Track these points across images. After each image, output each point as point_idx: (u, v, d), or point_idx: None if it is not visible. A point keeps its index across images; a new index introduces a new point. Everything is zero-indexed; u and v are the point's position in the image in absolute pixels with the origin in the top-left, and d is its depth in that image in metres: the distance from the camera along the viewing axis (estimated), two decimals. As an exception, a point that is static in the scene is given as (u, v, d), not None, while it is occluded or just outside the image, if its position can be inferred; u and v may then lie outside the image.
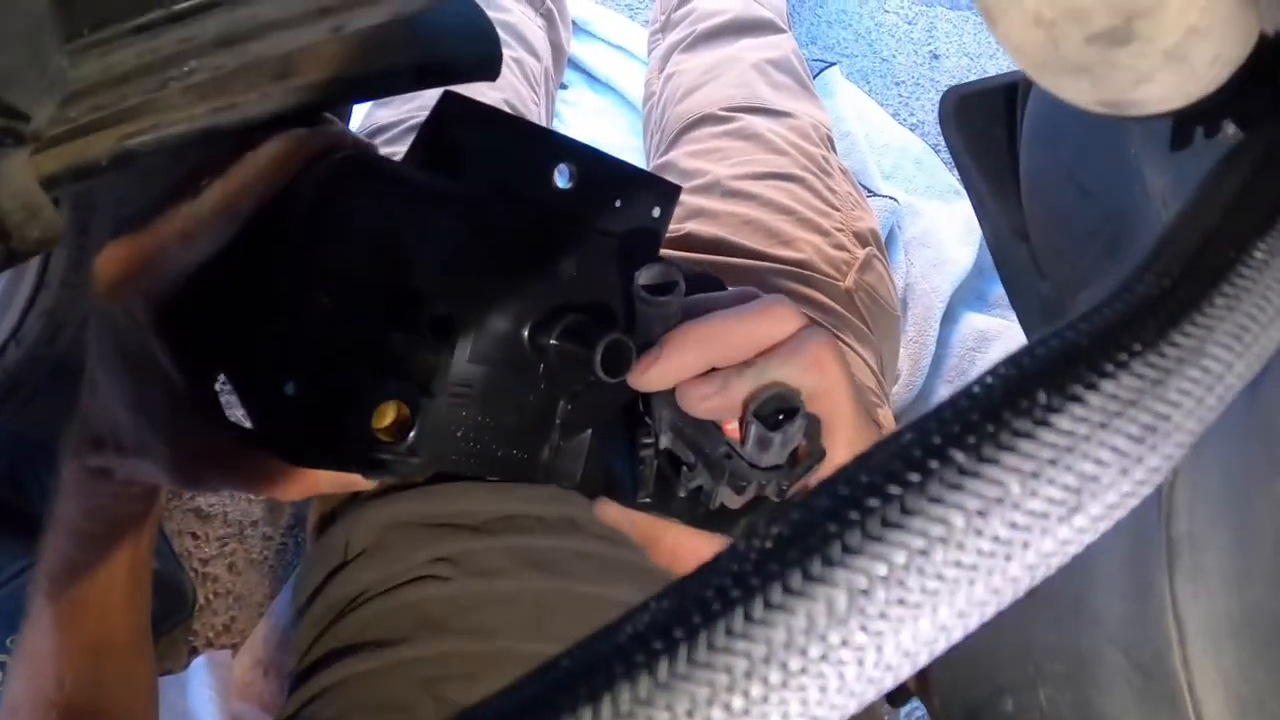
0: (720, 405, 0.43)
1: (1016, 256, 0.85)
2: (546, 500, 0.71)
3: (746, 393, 0.43)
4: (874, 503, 0.16)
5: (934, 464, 0.16)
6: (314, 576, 0.79)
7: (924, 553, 0.16)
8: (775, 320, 0.44)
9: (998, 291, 1.51)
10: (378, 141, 1.11)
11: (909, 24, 2.00)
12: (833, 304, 0.99)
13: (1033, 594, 0.20)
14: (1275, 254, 0.23)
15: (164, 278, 0.43)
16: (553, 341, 0.45)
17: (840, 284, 1.00)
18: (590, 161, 0.47)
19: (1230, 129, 0.38)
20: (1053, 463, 0.17)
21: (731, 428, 0.44)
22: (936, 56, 1.95)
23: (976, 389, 0.17)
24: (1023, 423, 0.17)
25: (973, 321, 1.46)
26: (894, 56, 1.93)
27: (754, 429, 0.42)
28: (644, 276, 0.43)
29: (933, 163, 1.66)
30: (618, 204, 0.48)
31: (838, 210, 1.08)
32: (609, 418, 0.48)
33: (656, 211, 0.49)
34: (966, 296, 1.50)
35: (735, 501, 0.45)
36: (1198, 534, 0.37)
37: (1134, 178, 0.64)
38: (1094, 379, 0.17)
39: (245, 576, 1.30)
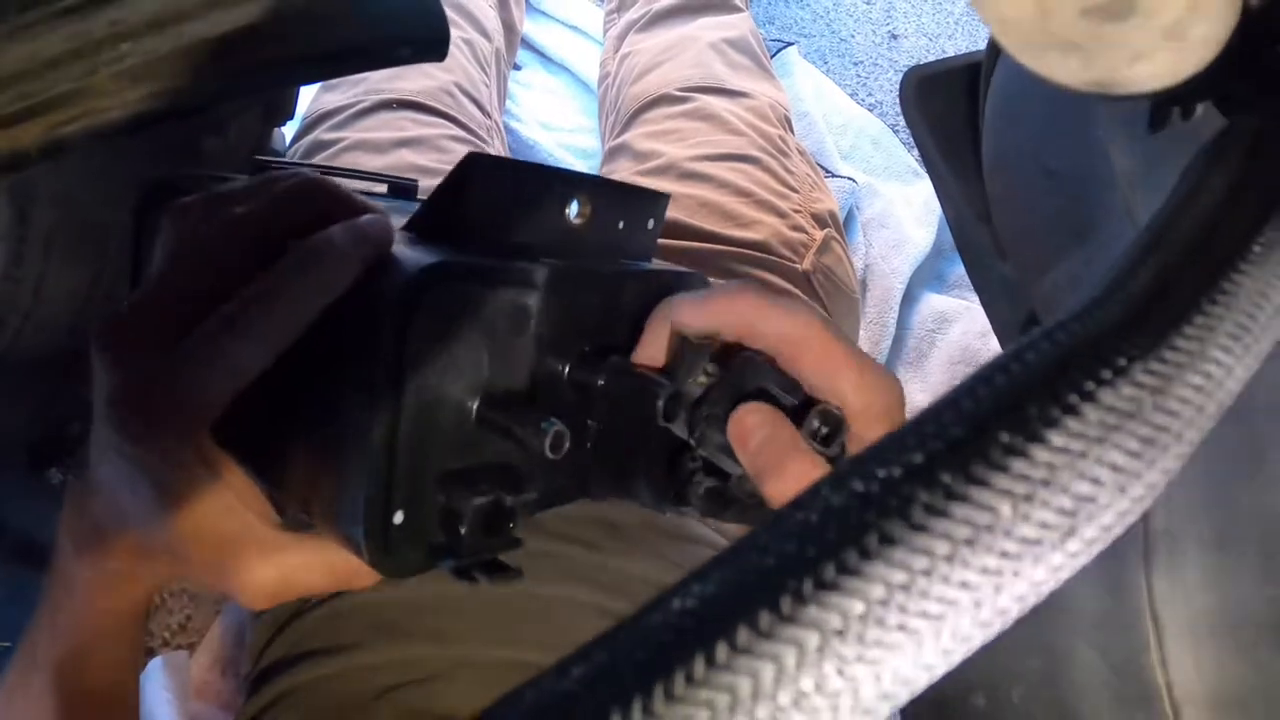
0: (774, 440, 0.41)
1: (979, 238, 0.84)
2: None
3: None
4: (847, 534, 0.14)
5: (917, 489, 0.15)
6: None
7: (905, 587, 0.15)
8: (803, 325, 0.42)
9: (957, 272, 1.51)
10: (324, 127, 1.08)
11: (867, 4, 1.98)
12: (790, 287, 0.98)
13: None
14: (1272, 248, 0.22)
15: (208, 415, 0.38)
16: (600, 383, 0.44)
17: (798, 266, 0.99)
18: (594, 189, 0.46)
19: (1200, 110, 0.37)
20: (1046, 484, 0.15)
21: None
22: (895, 36, 1.94)
23: (964, 401, 0.16)
24: (1015, 439, 0.15)
25: (932, 302, 1.45)
26: (852, 36, 1.91)
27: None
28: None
29: (891, 143, 1.65)
30: (621, 225, 0.47)
31: (795, 192, 1.07)
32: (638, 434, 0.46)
33: (651, 223, 0.49)
34: (926, 277, 1.49)
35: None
36: (1176, 530, 0.36)
37: (1099, 159, 0.63)
38: (1091, 388, 0.16)
39: (199, 574, 1.27)
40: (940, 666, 0.16)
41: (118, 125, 0.49)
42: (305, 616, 0.72)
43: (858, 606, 0.14)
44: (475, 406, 0.40)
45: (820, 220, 1.06)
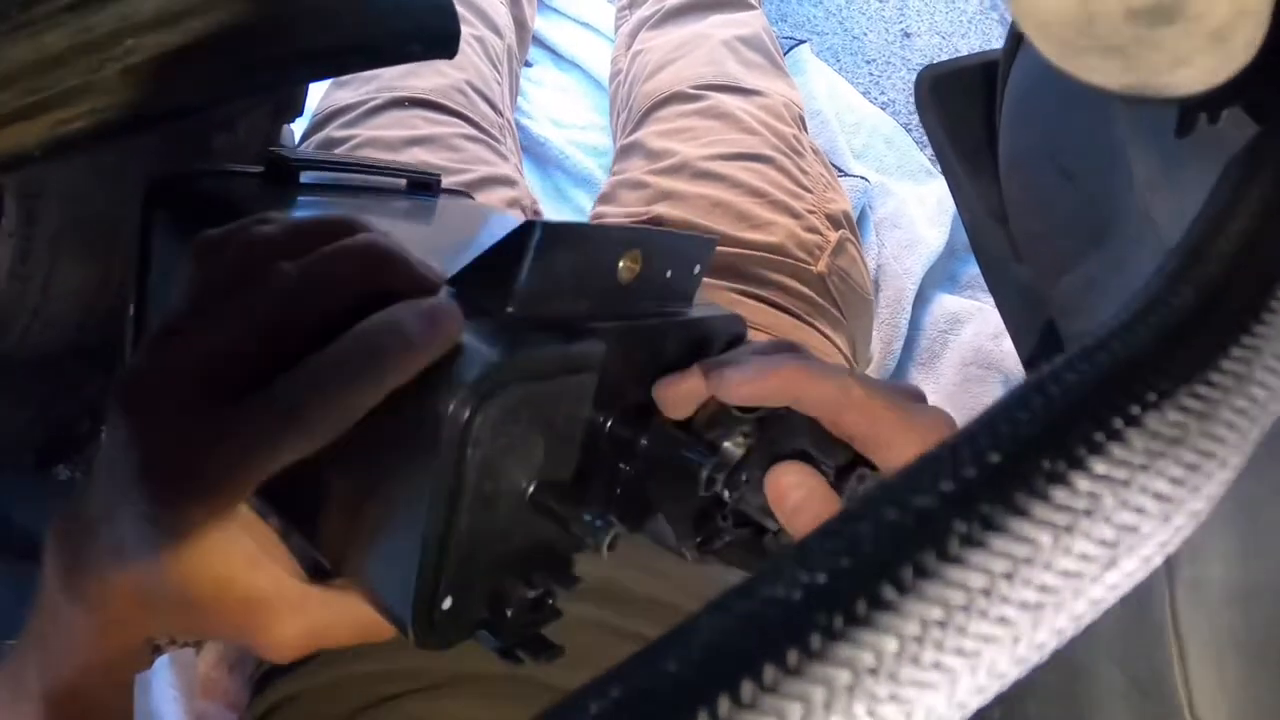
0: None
1: (994, 240, 0.83)
2: None
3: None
4: (880, 567, 0.14)
5: (954, 519, 0.14)
6: None
7: (941, 624, 0.14)
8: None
9: (970, 272, 1.50)
10: (336, 124, 1.07)
11: (880, 1, 1.97)
12: (805, 289, 0.97)
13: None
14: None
15: (246, 491, 0.36)
16: (643, 443, 0.45)
17: (813, 268, 0.98)
18: (647, 244, 0.44)
19: (1226, 115, 0.36)
20: (1089, 513, 0.14)
21: None
22: (908, 35, 1.92)
23: (1001, 425, 0.15)
24: (1056, 465, 0.14)
25: (944, 303, 1.44)
26: (865, 34, 1.90)
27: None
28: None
29: (904, 142, 1.64)
30: (669, 275, 0.46)
31: (809, 192, 1.06)
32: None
33: (697, 269, 0.48)
34: (938, 278, 1.48)
35: None
36: (1200, 545, 0.35)
37: (1117, 161, 0.62)
38: (1136, 412, 0.15)
39: (205, 569, 1.27)
40: (974, 703, 0.15)
41: (123, 123, 0.48)
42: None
43: (891, 643, 0.14)
44: (530, 492, 0.39)
45: (835, 221, 1.05)
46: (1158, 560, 0.16)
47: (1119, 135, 0.62)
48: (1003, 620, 0.14)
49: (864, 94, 1.75)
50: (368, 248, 0.38)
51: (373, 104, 1.08)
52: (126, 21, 0.49)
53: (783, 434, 0.43)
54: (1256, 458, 0.38)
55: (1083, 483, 0.14)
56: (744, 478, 0.43)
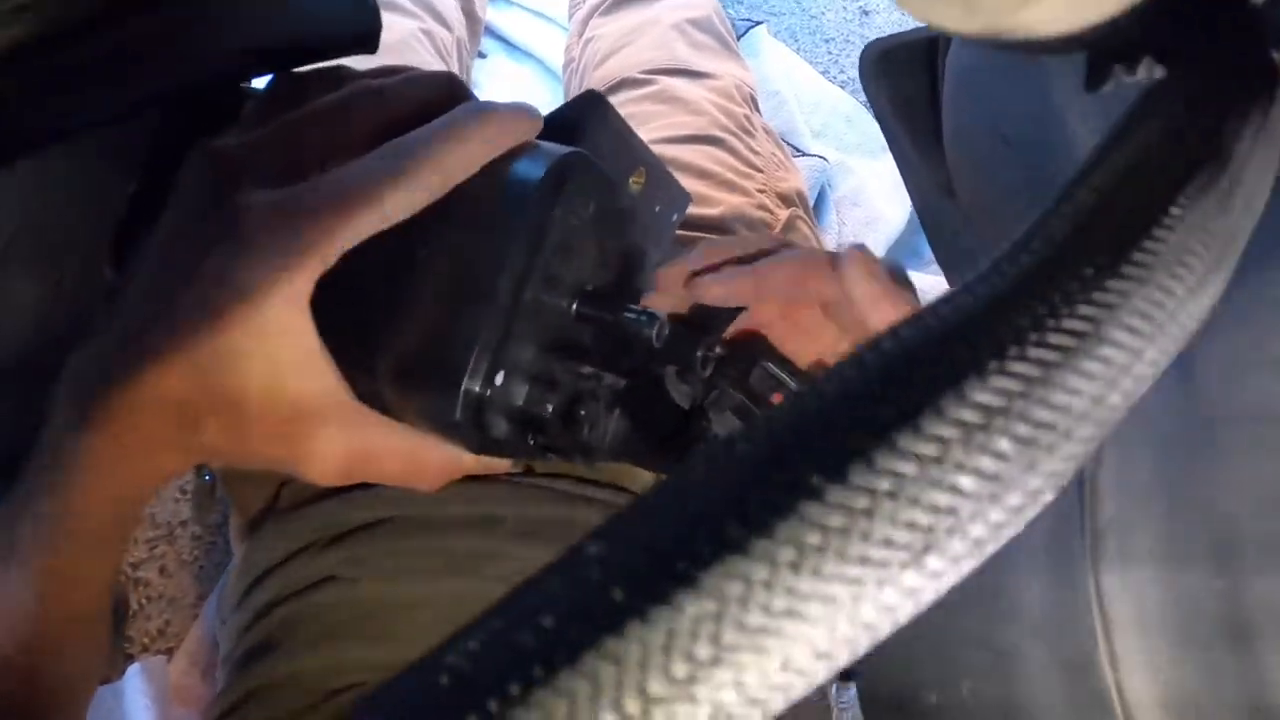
0: None
1: (942, 213, 0.83)
2: (468, 500, 0.68)
3: None
4: (702, 551, 0.12)
5: (773, 497, 0.13)
6: (237, 587, 0.77)
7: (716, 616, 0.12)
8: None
9: (933, 247, 1.49)
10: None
11: (837, -21, 1.96)
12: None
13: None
14: (1194, 214, 0.20)
15: (331, 259, 0.37)
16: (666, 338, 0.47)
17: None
18: (652, 165, 0.50)
19: (1149, 68, 0.35)
20: (892, 495, 0.13)
21: None
22: (866, 12, 1.91)
23: (806, 403, 0.14)
24: (856, 445, 0.13)
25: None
26: (823, 13, 1.89)
27: None
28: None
29: (864, 120, 1.63)
30: (657, 209, 0.51)
31: (760, 171, 1.05)
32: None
33: (675, 217, 0.53)
34: (902, 253, 1.47)
35: None
36: (1125, 519, 0.34)
37: (1059, 128, 0.62)
38: (950, 382, 0.14)
39: (177, 579, 1.27)
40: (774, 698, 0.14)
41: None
42: (261, 622, 0.71)
43: (658, 638, 0.12)
44: (587, 289, 0.43)
45: (786, 199, 1.04)
46: (994, 545, 0.15)
47: (1058, 101, 0.62)
48: (790, 613, 0.13)
49: (823, 73, 1.74)
50: (447, 76, 0.44)
51: (319, 101, 1.06)
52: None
53: (749, 347, 0.48)
54: (1180, 437, 0.37)
55: (886, 463, 0.13)
56: (726, 372, 0.48)
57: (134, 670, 1.17)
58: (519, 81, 1.58)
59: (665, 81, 1.14)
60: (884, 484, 0.13)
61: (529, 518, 0.69)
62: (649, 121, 1.08)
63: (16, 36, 0.43)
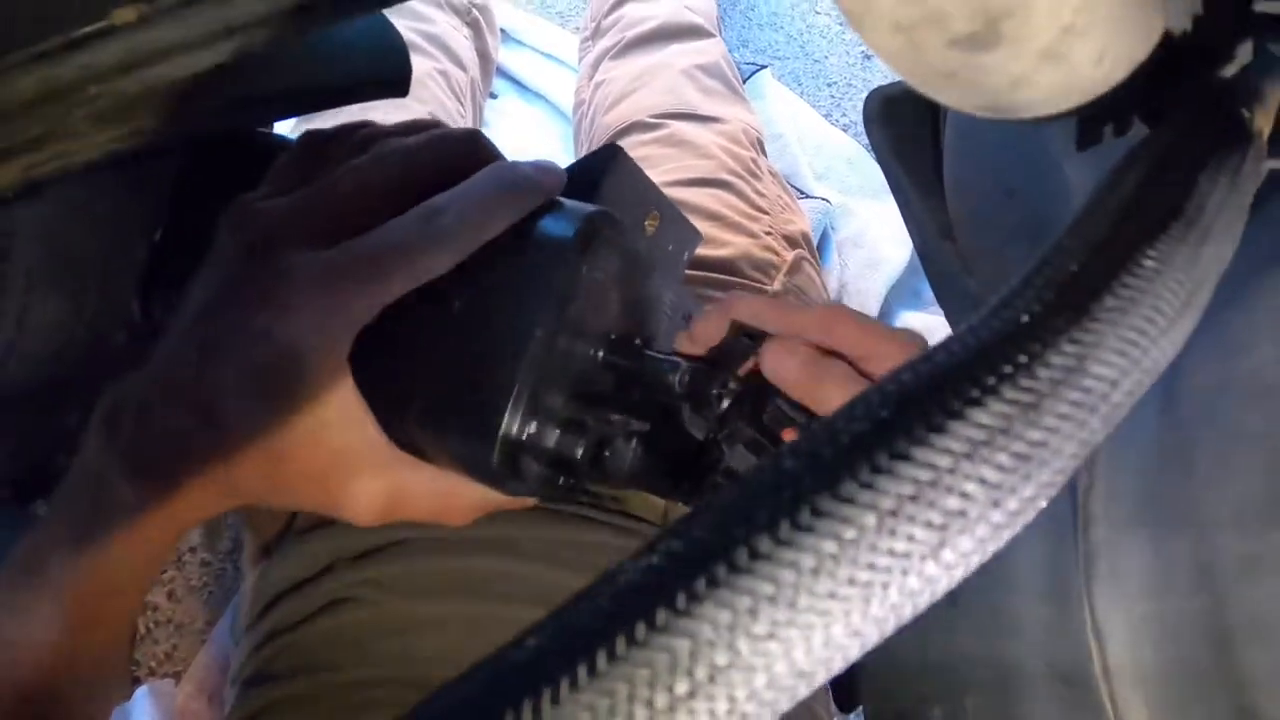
0: None
1: (943, 256, 0.85)
2: (484, 522, 0.70)
3: None
4: (714, 559, 0.15)
5: (788, 507, 0.15)
6: (252, 609, 0.78)
7: (773, 599, 0.15)
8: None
9: (933, 289, 1.52)
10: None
11: (841, 25, 2.00)
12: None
13: (953, 600, 0.19)
14: (1167, 262, 0.23)
15: (369, 318, 0.40)
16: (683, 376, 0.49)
17: (768, 287, 1.00)
18: (666, 208, 0.53)
19: (1137, 128, 0.38)
20: (914, 499, 0.16)
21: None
22: (869, 57, 1.95)
23: (838, 424, 0.16)
24: (880, 458, 0.16)
25: (908, 320, 1.46)
26: (826, 58, 1.93)
27: None
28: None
29: (866, 163, 1.67)
30: (670, 248, 0.53)
31: (766, 214, 1.07)
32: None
33: (686, 255, 0.55)
34: (903, 294, 1.50)
35: None
36: (1115, 540, 0.37)
37: (1057, 176, 0.64)
38: (958, 407, 0.16)
39: (185, 604, 1.28)
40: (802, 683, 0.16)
41: (90, 164, 0.50)
42: (276, 641, 0.72)
43: (706, 630, 0.15)
44: (611, 338, 0.46)
45: (792, 241, 1.07)
46: (997, 543, 0.18)
47: (1054, 152, 0.64)
48: (834, 595, 0.15)
49: (825, 116, 1.77)
50: (471, 134, 0.45)
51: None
52: (90, 70, 0.50)
53: (762, 389, 0.48)
54: (1165, 455, 0.39)
55: (909, 470, 0.16)
56: (739, 410, 0.48)
57: (142, 693, 1.18)
58: (530, 122, 1.61)
59: (675, 126, 1.17)
60: (906, 489, 0.15)
61: (544, 539, 0.71)
62: (659, 165, 1.11)
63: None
